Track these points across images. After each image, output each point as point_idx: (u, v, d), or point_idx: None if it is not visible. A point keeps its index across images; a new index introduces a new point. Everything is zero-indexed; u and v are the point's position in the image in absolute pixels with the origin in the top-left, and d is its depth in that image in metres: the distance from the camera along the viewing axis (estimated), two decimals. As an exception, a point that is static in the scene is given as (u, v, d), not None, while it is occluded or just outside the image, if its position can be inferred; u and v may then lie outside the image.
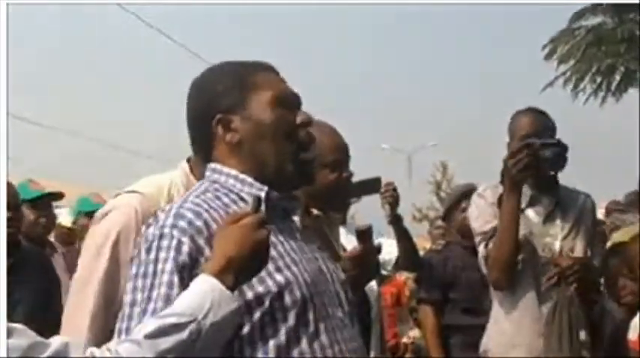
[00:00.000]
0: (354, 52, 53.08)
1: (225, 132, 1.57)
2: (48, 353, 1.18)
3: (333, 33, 55.24)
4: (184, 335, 1.25)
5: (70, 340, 1.23)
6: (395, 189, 3.60)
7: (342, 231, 2.71)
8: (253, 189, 1.55)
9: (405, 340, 5.90)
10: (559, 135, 2.86)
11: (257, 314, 1.42)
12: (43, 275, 3.12)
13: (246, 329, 1.41)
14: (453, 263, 3.88)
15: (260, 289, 1.43)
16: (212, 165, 1.60)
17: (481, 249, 2.88)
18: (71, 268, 4.05)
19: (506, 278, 2.79)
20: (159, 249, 1.43)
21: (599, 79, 18.97)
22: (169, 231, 1.44)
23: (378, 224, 2.77)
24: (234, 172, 1.57)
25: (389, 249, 3.52)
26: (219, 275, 1.32)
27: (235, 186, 1.56)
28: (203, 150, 1.63)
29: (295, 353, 1.43)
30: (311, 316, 1.46)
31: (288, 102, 1.60)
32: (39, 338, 1.20)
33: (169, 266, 1.41)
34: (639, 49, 17.58)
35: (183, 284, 1.38)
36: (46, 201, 3.89)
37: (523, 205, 2.83)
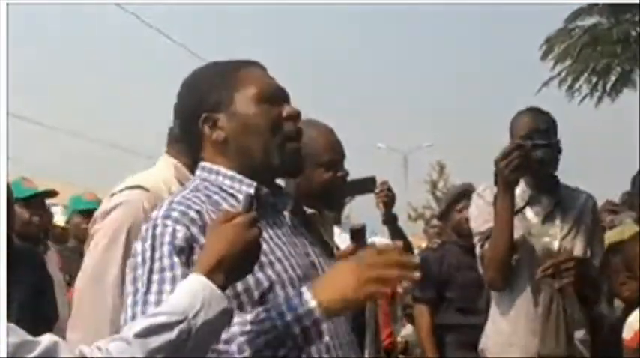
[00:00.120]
0: (354, 50, 53.15)
1: (211, 131, 1.58)
2: (37, 351, 1.17)
3: (333, 32, 55.32)
4: (174, 334, 1.24)
5: (59, 339, 1.22)
6: (390, 189, 3.60)
7: (336, 230, 2.70)
8: (243, 185, 1.56)
9: (398, 339, 5.90)
10: (554, 134, 2.87)
11: (248, 308, 1.42)
12: (36, 274, 3.10)
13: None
14: (449, 262, 3.89)
15: (251, 282, 1.43)
16: (202, 163, 1.62)
17: (478, 248, 2.89)
18: (64, 267, 4.05)
19: (501, 278, 2.80)
20: (154, 236, 1.44)
21: (594, 80, 19.00)
22: (162, 221, 1.45)
23: (372, 223, 2.77)
24: (223, 170, 1.58)
25: (383, 249, 3.51)
26: (210, 274, 1.31)
27: (225, 183, 1.57)
28: (192, 149, 1.64)
29: None
30: None
31: (274, 97, 1.60)
32: (28, 337, 1.19)
33: (166, 249, 1.41)
34: (635, 50, 17.62)
35: (185, 266, 1.39)
36: (39, 200, 3.87)
37: (522, 205, 2.84)
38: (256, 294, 1.44)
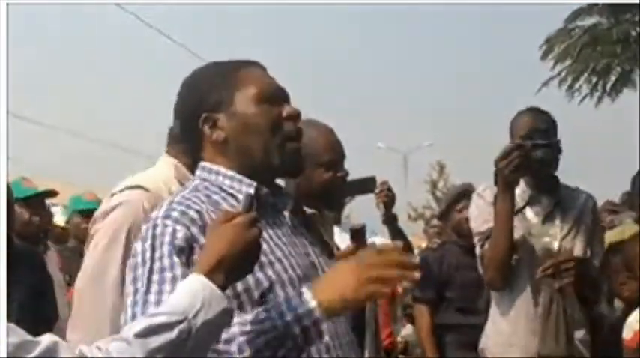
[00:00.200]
0: (354, 50, 53.15)
1: (211, 131, 1.58)
2: (37, 351, 1.17)
3: (333, 32, 55.30)
4: (174, 334, 1.24)
5: (59, 339, 1.21)
6: (390, 189, 3.59)
7: (336, 230, 2.70)
8: (243, 185, 1.56)
9: (398, 339, 5.90)
10: (554, 134, 2.87)
11: (248, 308, 1.42)
12: (36, 274, 3.10)
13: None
14: (449, 262, 3.89)
15: (251, 282, 1.43)
16: (202, 163, 1.62)
17: (478, 248, 2.89)
18: (64, 267, 4.06)
19: (501, 278, 2.80)
20: (154, 236, 1.44)
21: (594, 80, 19.00)
22: (162, 221, 1.45)
23: (372, 223, 2.77)
24: (223, 170, 1.58)
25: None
26: (210, 274, 1.31)
27: (225, 183, 1.57)
28: (192, 149, 1.64)
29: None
30: None
31: (273, 97, 1.60)
32: (28, 337, 1.19)
33: (166, 249, 1.41)
34: (635, 50, 17.61)
35: (185, 266, 1.39)
36: (39, 200, 3.87)
37: (522, 205, 2.84)
38: (256, 294, 1.44)
